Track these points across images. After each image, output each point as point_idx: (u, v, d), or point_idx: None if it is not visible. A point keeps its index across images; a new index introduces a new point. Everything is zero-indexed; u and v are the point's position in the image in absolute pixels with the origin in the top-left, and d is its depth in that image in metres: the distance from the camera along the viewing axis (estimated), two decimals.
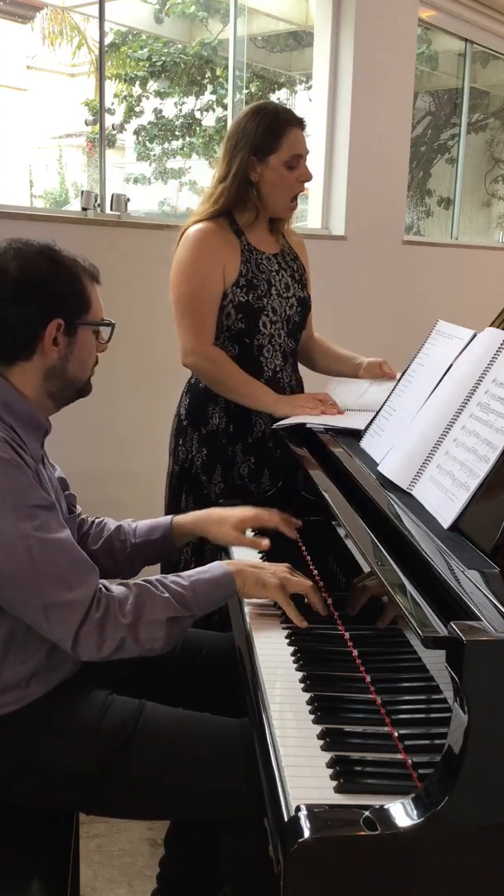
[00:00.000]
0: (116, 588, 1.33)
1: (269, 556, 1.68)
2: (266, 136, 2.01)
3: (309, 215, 3.89)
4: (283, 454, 2.12)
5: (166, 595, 1.33)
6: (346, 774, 1.02)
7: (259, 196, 2.06)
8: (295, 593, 1.44)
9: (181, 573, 1.40)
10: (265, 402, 2.00)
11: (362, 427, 1.75)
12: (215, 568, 1.42)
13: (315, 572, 1.64)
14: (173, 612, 1.32)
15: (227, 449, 2.11)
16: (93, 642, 1.27)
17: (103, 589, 1.30)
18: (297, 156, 2.04)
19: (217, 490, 2.11)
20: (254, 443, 2.11)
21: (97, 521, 1.68)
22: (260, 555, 1.68)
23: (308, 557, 1.71)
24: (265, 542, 1.62)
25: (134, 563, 1.65)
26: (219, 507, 1.94)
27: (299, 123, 2.06)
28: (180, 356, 2.05)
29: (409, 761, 1.05)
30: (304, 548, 1.75)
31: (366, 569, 1.38)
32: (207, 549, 2.09)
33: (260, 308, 2.06)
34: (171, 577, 1.38)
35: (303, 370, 2.32)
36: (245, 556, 1.67)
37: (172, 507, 2.18)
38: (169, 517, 1.67)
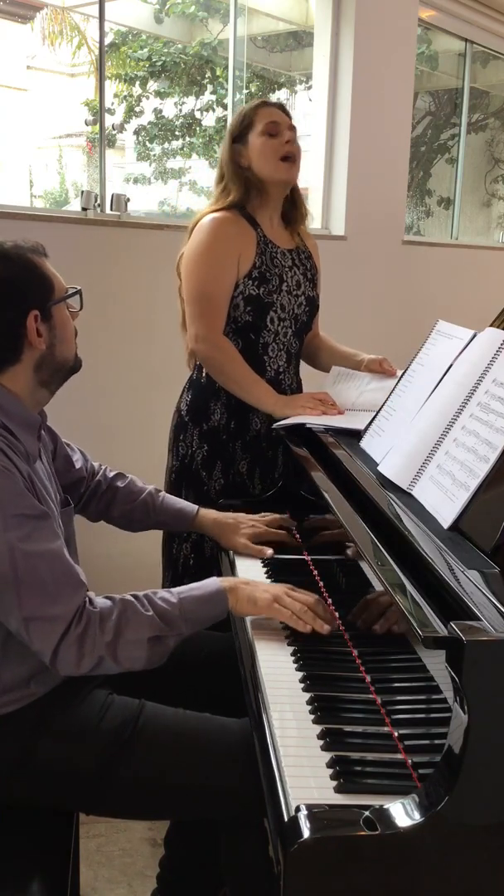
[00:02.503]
0: (101, 601, 1.31)
1: (271, 560, 1.68)
2: (240, 120, 2.07)
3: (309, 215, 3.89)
4: (278, 456, 2.13)
5: (150, 613, 1.31)
6: (346, 774, 1.02)
7: (255, 175, 2.07)
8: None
9: (172, 589, 1.38)
10: (266, 402, 2.00)
11: (362, 427, 1.75)
12: (208, 585, 1.40)
13: (315, 573, 1.64)
14: (156, 631, 1.30)
15: (228, 445, 2.11)
16: (72, 658, 1.25)
17: (87, 603, 1.29)
18: (272, 122, 2.05)
19: (217, 486, 2.11)
20: (251, 441, 2.11)
21: (123, 485, 1.74)
22: (264, 567, 1.68)
23: (308, 558, 1.71)
24: (269, 551, 1.69)
25: (145, 528, 1.79)
26: (219, 507, 1.95)
27: (272, 104, 2.09)
28: (190, 342, 2.05)
29: (409, 761, 1.05)
30: (304, 548, 1.75)
31: (366, 569, 1.38)
32: (207, 545, 2.09)
33: (269, 303, 2.06)
34: (160, 593, 1.35)
35: (305, 369, 2.32)
36: (248, 566, 1.67)
37: None
38: (195, 508, 1.75)
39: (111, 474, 1.75)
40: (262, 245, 2.07)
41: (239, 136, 2.07)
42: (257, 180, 2.07)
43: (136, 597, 1.33)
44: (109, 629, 1.27)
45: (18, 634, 1.27)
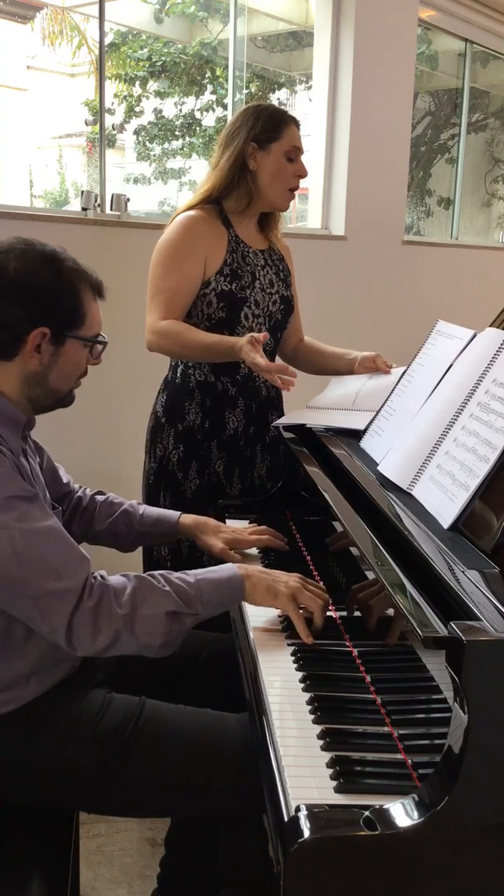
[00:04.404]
0: (114, 578, 1.31)
1: (269, 558, 1.68)
2: (268, 125, 2.04)
3: (309, 215, 3.90)
4: (256, 454, 2.12)
5: (167, 589, 1.31)
6: (346, 774, 1.02)
7: (256, 184, 2.06)
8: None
9: (188, 571, 1.38)
10: (234, 347, 1.86)
11: (362, 427, 1.75)
12: (224, 569, 1.40)
13: (315, 573, 1.64)
14: (174, 606, 1.29)
15: (203, 445, 2.10)
16: (87, 633, 1.25)
17: (98, 577, 1.28)
18: (296, 148, 2.07)
19: (193, 487, 2.10)
20: (227, 440, 2.10)
21: (104, 498, 1.70)
22: (261, 556, 1.68)
23: (308, 557, 1.71)
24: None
25: (134, 544, 1.73)
26: (218, 508, 1.94)
27: (296, 122, 2.10)
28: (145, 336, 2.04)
29: (409, 761, 1.05)
30: (304, 548, 1.75)
31: (366, 569, 1.38)
32: (184, 547, 2.07)
33: (242, 299, 2.06)
34: (175, 574, 1.35)
35: (300, 374, 2.31)
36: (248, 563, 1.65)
37: (150, 504, 2.17)
38: (176, 514, 1.70)
39: (91, 492, 1.72)
40: (233, 244, 2.07)
41: (263, 139, 2.04)
42: (253, 187, 2.06)
43: (151, 574, 1.33)
44: (126, 602, 1.27)
45: (30, 619, 1.26)
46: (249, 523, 1.87)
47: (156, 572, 1.35)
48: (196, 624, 1.34)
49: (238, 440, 2.11)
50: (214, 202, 2.09)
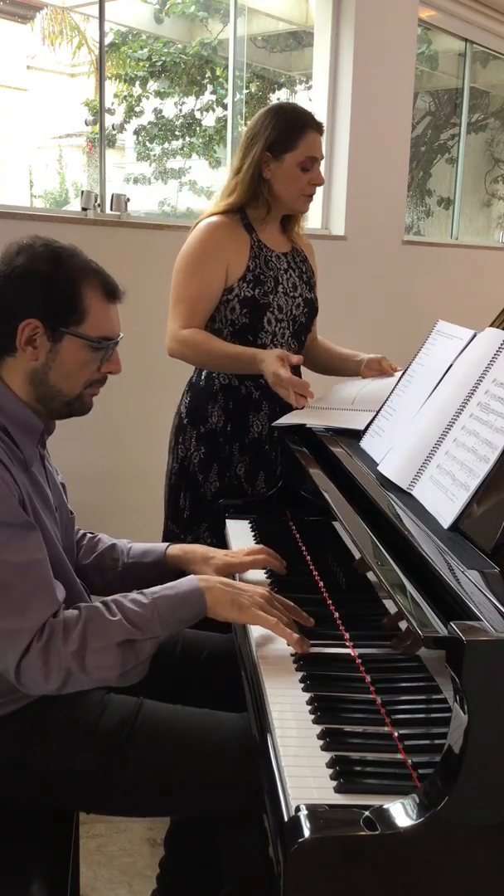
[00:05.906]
0: (67, 613, 1.26)
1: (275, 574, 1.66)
2: (283, 134, 2.02)
3: (309, 215, 3.89)
4: (278, 456, 2.13)
5: (118, 617, 1.25)
6: (346, 774, 1.02)
7: (271, 192, 2.06)
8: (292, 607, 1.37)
9: (145, 590, 1.33)
10: (256, 359, 1.90)
11: (362, 427, 1.75)
12: (184, 583, 1.34)
13: (315, 573, 1.64)
14: (126, 634, 1.24)
15: (224, 448, 2.11)
16: (38, 673, 1.21)
17: (51, 616, 1.24)
18: (311, 158, 2.05)
19: (213, 489, 2.11)
20: (250, 443, 2.11)
21: (91, 535, 1.64)
22: (267, 574, 1.63)
23: (308, 558, 1.71)
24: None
25: (125, 583, 1.61)
26: (219, 507, 1.94)
27: (318, 127, 2.07)
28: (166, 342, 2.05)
29: (409, 761, 1.05)
30: (304, 548, 1.75)
31: (366, 570, 1.38)
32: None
33: (265, 304, 2.06)
34: (131, 596, 1.30)
35: (306, 373, 2.32)
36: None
37: (171, 505, 2.18)
38: (165, 544, 1.62)
39: (85, 531, 1.67)
40: (255, 249, 2.07)
41: (277, 149, 2.03)
42: (269, 196, 2.06)
43: (104, 602, 1.29)
44: (74, 639, 1.22)
45: None
46: (249, 524, 1.88)
47: (109, 598, 1.30)
48: (157, 646, 1.29)
49: (263, 444, 2.11)
50: (238, 209, 2.09)
